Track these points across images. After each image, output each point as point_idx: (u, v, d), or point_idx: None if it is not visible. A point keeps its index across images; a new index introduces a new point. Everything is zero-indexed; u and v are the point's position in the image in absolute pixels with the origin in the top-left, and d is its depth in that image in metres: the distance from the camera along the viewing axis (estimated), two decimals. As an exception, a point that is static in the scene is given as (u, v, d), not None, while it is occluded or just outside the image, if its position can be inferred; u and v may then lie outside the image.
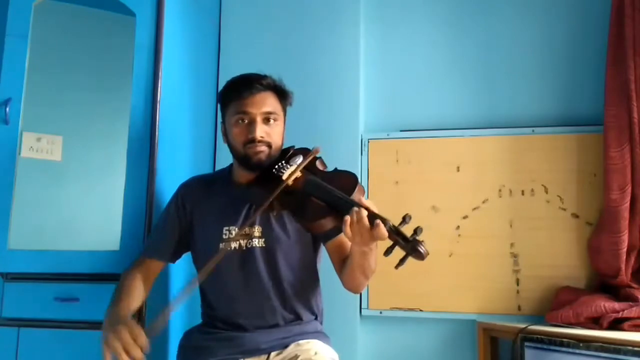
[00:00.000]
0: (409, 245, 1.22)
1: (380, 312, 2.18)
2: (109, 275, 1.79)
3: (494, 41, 2.28)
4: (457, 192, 2.18)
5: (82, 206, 2.07)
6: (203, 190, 1.65)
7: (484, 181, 2.16)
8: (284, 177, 1.46)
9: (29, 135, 1.96)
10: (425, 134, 2.24)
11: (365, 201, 1.31)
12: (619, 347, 1.61)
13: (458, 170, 2.19)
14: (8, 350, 1.78)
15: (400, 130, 2.27)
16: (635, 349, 1.59)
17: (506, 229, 2.12)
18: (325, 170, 1.52)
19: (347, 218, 1.25)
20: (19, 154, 1.91)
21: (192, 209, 1.63)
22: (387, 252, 1.23)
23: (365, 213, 1.24)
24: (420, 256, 1.21)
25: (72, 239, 1.98)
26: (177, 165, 1.99)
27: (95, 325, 1.75)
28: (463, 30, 2.32)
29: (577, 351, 1.69)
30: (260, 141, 1.51)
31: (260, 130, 1.51)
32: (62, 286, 1.79)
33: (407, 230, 1.24)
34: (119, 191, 1.82)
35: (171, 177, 1.92)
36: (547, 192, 2.11)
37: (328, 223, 1.35)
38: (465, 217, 2.16)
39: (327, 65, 2.29)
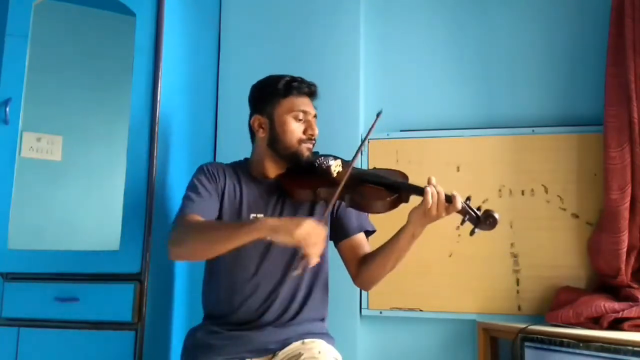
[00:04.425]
0: (482, 215, 1.40)
1: (380, 312, 2.18)
2: (109, 275, 1.79)
3: (494, 41, 2.28)
4: (457, 192, 2.16)
5: (82, 206, 2.07)
6: (228, 172, 1.66)
7: (484, 181, 2.16)
8: (334, 168, 1.57)
9: (29, 135, 1.96)
10: (425, 134, 2.24)
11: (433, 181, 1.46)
12: (619, 347, 1.61)
13: (458, 170, 2.19)
14: (8, 350, 1.78)
15: (400, 130, 2.27)
16: (635, 349, 1.59)
17: (506, 229, 2.11)
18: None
19: (429, 189, 1.42)
20: (19, 154, 1.91)
21: (221, 184, 1.64)
22: (462, 222, 1.43)
23: (441, 189, 1.43)
24: (495, 221, 1.38)
25: (72, 239, 1.98)
26: (177, 165, 1.99)
27: (95, 325, 1.76)
28: (463, 30, 2.31)
29: (577, 351, 1.68)
30: (315, 139, 1.64)
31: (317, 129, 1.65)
32: (62, 286, 1.80)
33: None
34: (119, 191, 1.82)
35: (171, 177, 1.92)
36: (547, 192, 2.11)
37: (390, 203, 1.48)
38: (465, 217, 2.16)
39: (327, 65, 2.29)
